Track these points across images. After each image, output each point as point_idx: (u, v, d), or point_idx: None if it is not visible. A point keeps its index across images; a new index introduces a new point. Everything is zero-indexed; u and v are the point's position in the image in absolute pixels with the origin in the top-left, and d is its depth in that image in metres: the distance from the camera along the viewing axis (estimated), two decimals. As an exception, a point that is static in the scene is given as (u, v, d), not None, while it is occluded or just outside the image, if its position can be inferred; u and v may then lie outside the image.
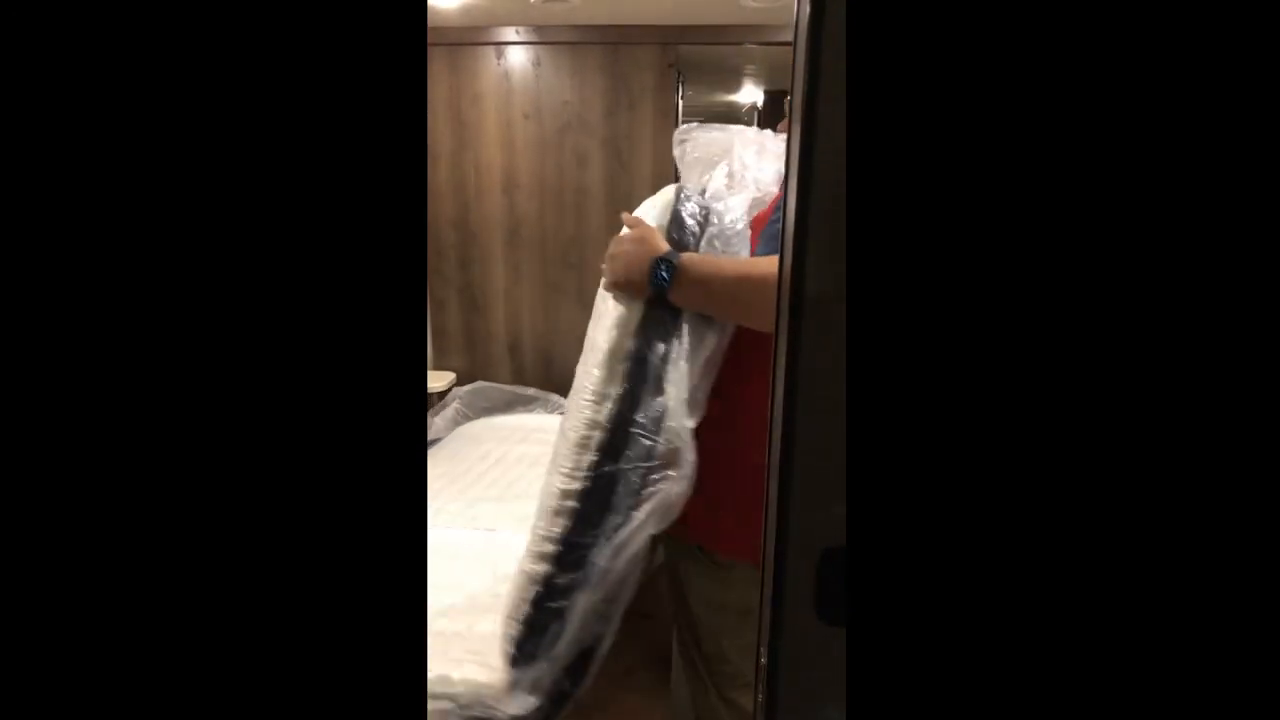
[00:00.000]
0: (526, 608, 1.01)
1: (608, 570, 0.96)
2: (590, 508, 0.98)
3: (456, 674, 1.15)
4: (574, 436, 0.99)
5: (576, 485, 0.98)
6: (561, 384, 2.81)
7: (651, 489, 0.95)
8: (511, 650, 1.03)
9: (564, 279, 2.80)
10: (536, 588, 1.00)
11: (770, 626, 0.55)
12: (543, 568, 1.00)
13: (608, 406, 0.97)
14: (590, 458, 0.97)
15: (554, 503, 1.00)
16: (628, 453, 0.96)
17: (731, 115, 3.78)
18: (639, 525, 0.95)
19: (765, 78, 3.17)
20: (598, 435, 0.97)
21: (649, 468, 0.95)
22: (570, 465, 0.99)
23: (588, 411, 0.99)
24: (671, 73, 2.58)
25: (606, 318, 1.02)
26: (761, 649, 0.58)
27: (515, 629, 1.02)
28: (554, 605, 0.99)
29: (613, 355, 0.98)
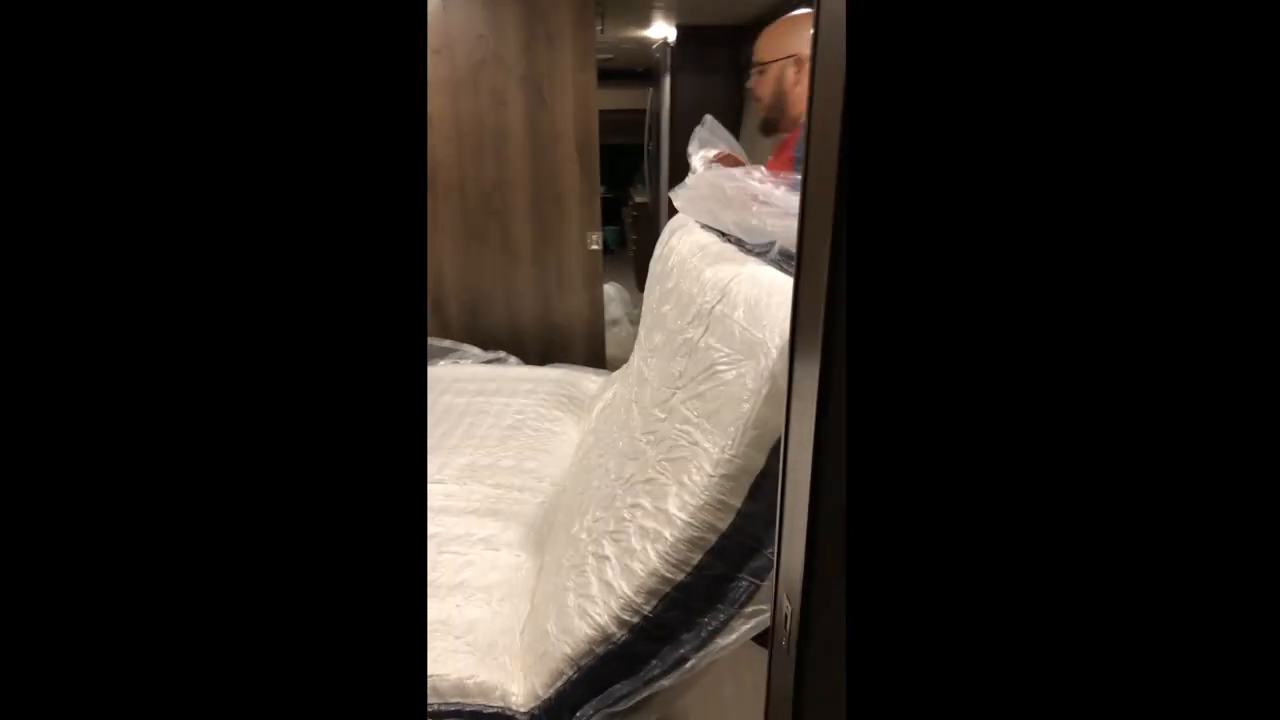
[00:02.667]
0: (591, 660, 1.11)
1: (692, 665, 1.06)
2: (690, 600, 1.07)
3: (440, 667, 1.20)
4: (686, 532, 1.06)
5: (680, 577, 1.06)
6: (489, 336, 2.73)
7: (756, 606, 1.04)
8: (559, 685, 1.13)
9: (486, 226, 2.69)
10: (609, 647, 1.10)
11: (805, 576, 0.57)
12: (622, 633, 1.10)
13: (729, 518, 1.04)
14: (700, 557, 1.05)
15: (651, 582, 1.08)
16: (744, 561, 1.05)
17: (643, 51, 3.70)
18: (734, 639, 1.04)
19: (676, 12, 3.10)
20: (713, 539, 1.05)
21: (758, 585, 1.04)
22: (677, 558, 1.07)
23: (706, 515, 1.05)
24: (590, 4, 2.47)
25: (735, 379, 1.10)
26: (785, 595, 0.61)
27: (571, 671, 1.12)
28: (618, 666, 1.10)
29: (743, 470, 1.02)
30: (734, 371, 1.07)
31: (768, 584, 1.02)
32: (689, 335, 1.23)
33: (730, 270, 1.19)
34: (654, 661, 1.08)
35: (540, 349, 2.81)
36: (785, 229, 1.14)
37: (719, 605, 1.05)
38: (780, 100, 1.58)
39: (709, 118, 1.75)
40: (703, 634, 1.06)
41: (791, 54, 1.54)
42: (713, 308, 1.17)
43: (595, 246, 2.74)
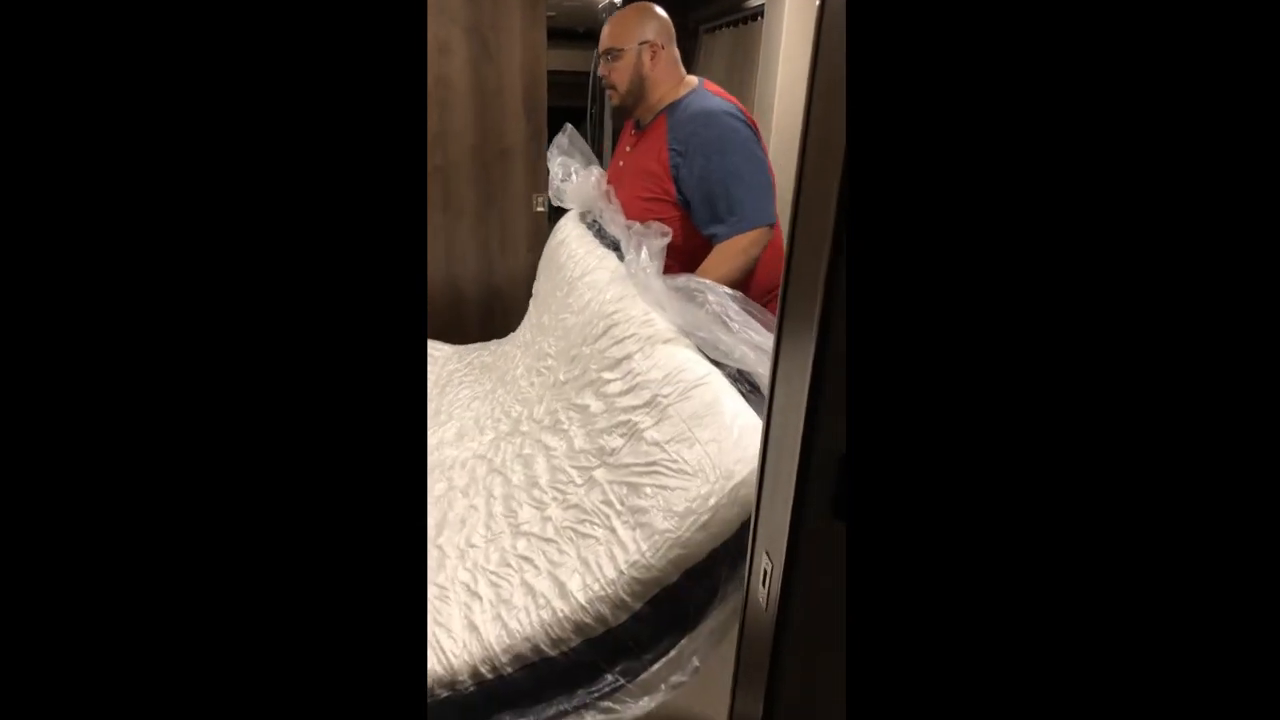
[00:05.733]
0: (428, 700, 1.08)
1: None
2: (551, 675, 1.09)
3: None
4: (576, 614, 1.09)
5: (553, 653, 1.09)
6: (429, 296, 2.60)
7: (613, 704, 1.07)
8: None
9: (427, 184, 2.51)
10: (451, 694, 1.08)
11: (790, 528, 0.57)
12: (470, 685, 1.09)
13: (623, 617, 1.07)
14: (579, 642, 1.09)
15: (522, 647, 1.10)
16: (619, 659, 1.08)
17: (587, 11, 3.43)
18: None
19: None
20: (599, 631, 1.08)
21: (623, 684, 1.07)
22: (558, 634, 1.09)
23: (604, 608, 1.08)
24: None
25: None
26: (765, 552, 0.61)
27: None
28: (451, 715, 1.09)
29: (654, 580, 1.05)
30: (677, 482, 1.08)
31: (632, 685, 1.05)
32: (634, 420, 1.22)
33: (695, 369, 1.19)
34: None
35: (480, 313, 2.71)
36: (751, 359, 1.18)
37: (578, 690, 1.06)
38: (639, 85, 1.65)
39: (569, 126, 1.99)
40: (550, 711, 1.06)
41: (645, 39, 1.62)
42: (669, 404, 1.17)
43: (541, 209, 2.65)
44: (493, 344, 2.24)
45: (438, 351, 2.26)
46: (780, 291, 0.60)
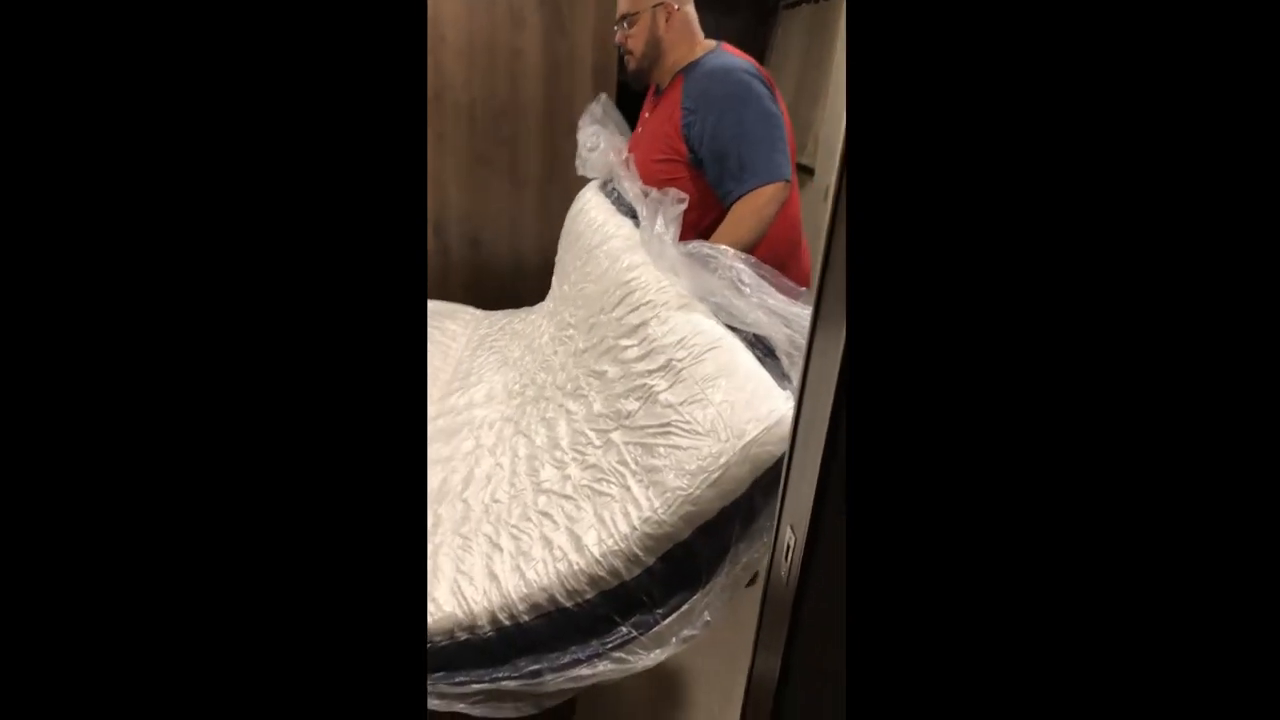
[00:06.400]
0: (447, 642, 1.14)
1: (543, 681, 1.10)
2: (568, 624, 1.12)
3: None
4: (591, 568, 1.11)
5: (568, 604, 1.12)
6: (487, 266, 2.69)
7: (624, 654, 1.10)
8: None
9: (494, 154, 2.58)
10: (471, 636, 1.14)
11: (813, 507, 0.58)
12: (489, 630, 1.13)
13: (636, 572, 1.09)
14: (594, 595, 1.12)
15: (539, 596, 1.13)
16: (633, 612, 1.12)
17: None
18: (592, 673, 1.10)
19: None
20: (614, 584, 1.11)
21: (635, 636, 1.10)
22: (573, 585, 1.12)
23: (617, 562, 1.10)
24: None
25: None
26: (790, 525, 0.62)
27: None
28: (471, 657, 1.14)
29: (667, 536, 1.07)
30: (689, 442, 1.09)
31: (645, 638, 1.08)
32: (649, 383, 1.23)
33: (710, 332, 1.20)
34: (507, 666, 1.11)
35: (540, 280, 2.78)
36: (764, 323, 1.18)
37: (593, 640, 1.10)
38: (655, 49, 1.62)
39: (603, 96, 1.98)
40: (565, 659, 1.10)
41: (659, 1, 1.59)
42: (683, 368, 1.18)
43: (602, 181, 2.65)
44: (523, 311, 2.29)
45: (469, 315, 2.32)
46: (820, 269, 0.60)
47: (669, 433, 1.12)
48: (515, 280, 2.70)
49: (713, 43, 1.63)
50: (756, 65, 1.55)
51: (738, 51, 1.61)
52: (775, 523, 0.69)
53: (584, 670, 1.08)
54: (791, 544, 0.63)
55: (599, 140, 1.87)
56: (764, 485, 1.03)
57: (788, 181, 1.48)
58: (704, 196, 1.55)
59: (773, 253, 1.50)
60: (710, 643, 1.15)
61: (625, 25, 1.63)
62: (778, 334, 1.16)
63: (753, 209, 1.46)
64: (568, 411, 1.46)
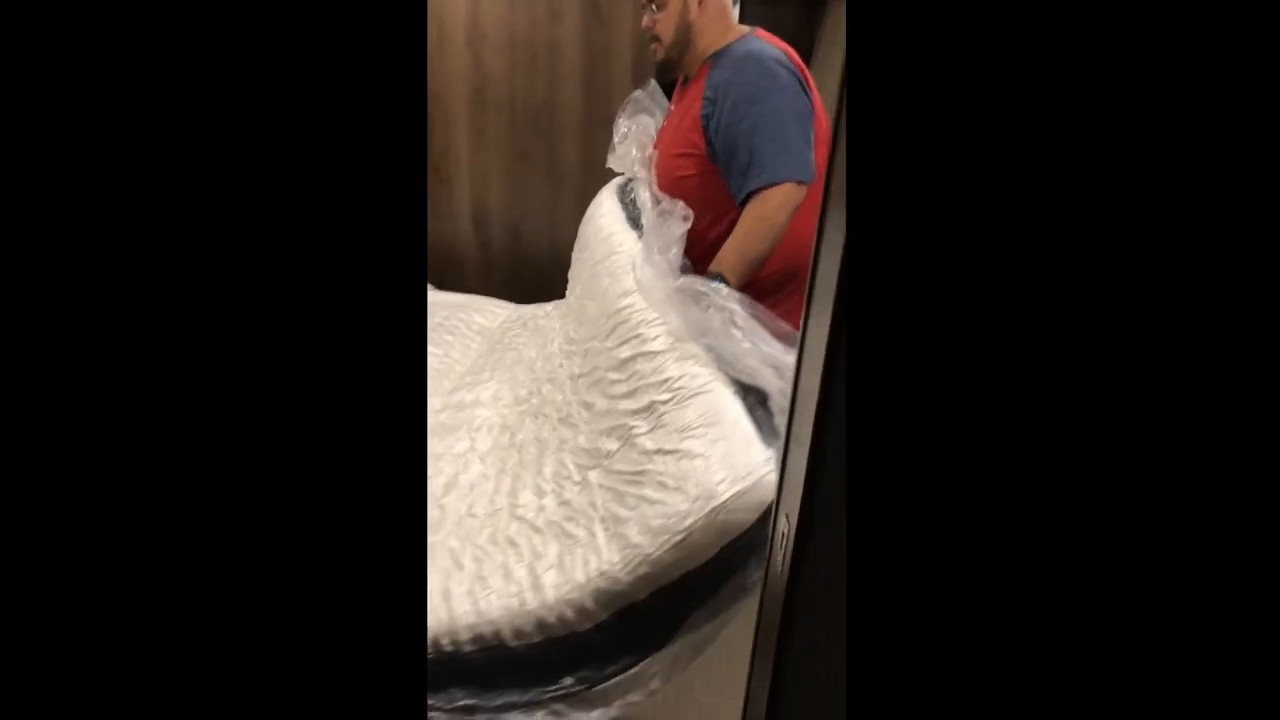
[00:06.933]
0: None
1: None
2: (508, 663, 1.07)
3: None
4: (539, 612, 1.07)
5: (513, 643, 1.07)
6: (528, 258, 2.66)
7: (564, 707, 1.04)
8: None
9: (533, 147, 2.55)
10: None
11: (804, 491, 0.57)
12: (432, 654, 1.08)
13: (586, 626, 1.04)
14: (539, 639, 1.06)
15: (485, 629, 1.08)
16: (578, 666, 1.05)
17: None
18: None
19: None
20: (561, 634, 1.06)
21: (576, 692, 1.04)
22: (520, 625, 1.07)
23: (568, 611, 1.05)
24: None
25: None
26: (784, 515, 0.61)
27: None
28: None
29: (620, 595, 1.02)
30: (658, 496, 1.04)
31: (586, 694, 1.02)
32: (630, 424, 1.17)
33: (697, 376, 1.12)
34: (441, 695, 1.05)
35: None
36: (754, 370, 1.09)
37: (533, 688, 1.04)
38: (684, 35, 1.48)
39: (652, 81, 1.79)
40: (499, 701, 1.04)
41: None
42: (665, 412, 1.12)
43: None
44: (549, 305, 2.20)
45: (496, 308, 2.28)
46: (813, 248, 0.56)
47: (640, 482, 1.06)
48: (555, 272, 2.66)
49: (745, 28, 1.49)
50: (790, 54, 1.41)
51: (771, 38, 1.47)
52: (772, 517, 0.67)
53: (518, 717, 1.03)
54: (785, 533, 0.60)
55: (629, 132, 1.73)
56: (734, 549, 0.96)
57: (802, 182, 1.32)
58: (717, 195, 1.41)
59: (789, 262, 1.38)
60: (653, 712, 1.09)
61: (654, 9, 1.47)
62: (770, 384, 1.08)
63: (760, 216, 1.32)
64: (559, 437, 1.41)
